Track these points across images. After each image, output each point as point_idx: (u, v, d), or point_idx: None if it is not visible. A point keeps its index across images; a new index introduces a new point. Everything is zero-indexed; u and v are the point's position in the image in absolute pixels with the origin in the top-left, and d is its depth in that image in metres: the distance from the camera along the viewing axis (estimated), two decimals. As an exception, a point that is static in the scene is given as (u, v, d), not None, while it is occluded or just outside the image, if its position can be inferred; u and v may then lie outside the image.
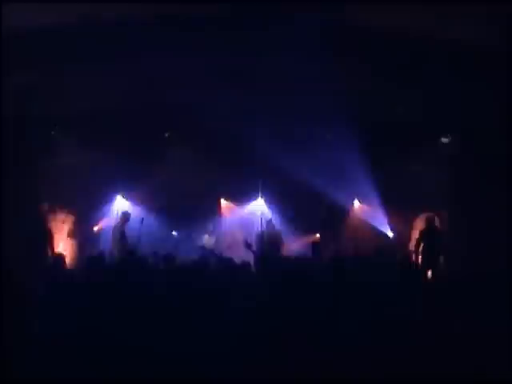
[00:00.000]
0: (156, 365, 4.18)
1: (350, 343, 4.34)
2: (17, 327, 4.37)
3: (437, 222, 10.32)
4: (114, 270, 6.00)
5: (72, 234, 11.98)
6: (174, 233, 12.04)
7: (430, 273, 9.09)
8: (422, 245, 9.86)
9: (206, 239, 11.49)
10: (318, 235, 12.09)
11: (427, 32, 7.81)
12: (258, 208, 12.62)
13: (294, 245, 11.58)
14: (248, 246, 9.52)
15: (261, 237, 10.81)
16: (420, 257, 9.85)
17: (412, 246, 11.93)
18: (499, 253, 8.38)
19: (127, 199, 12.53)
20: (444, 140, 10.73)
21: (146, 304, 4.74)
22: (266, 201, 12.46)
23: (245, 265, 6.32)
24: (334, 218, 12.61)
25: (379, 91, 9.57)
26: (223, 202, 12.89)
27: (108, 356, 4.22)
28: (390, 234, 11.94)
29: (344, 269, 5.96)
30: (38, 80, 8.99)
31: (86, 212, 12.00)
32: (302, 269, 6.34)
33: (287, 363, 4.20)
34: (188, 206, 12.32)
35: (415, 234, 12.00)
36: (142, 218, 11.10)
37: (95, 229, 12.19)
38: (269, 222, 11.39)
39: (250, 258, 8.93)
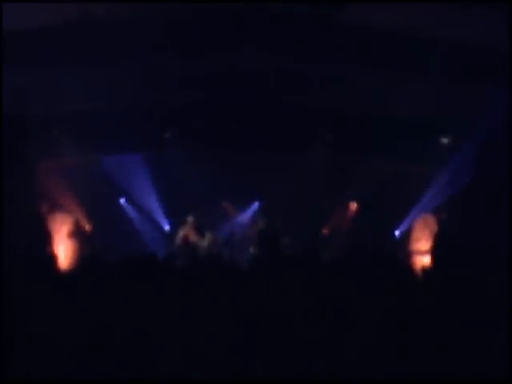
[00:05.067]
0: (153, 365, 4.18)
1: (347, 344, 4.34)
2: (15, 328, 4.36)
3: (442, 223, 10.27)
4: (113, 269, 5.99)
5: (72, 234, 11.99)
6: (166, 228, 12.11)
7: (432, 273, 9.05)
8: (432, 245, 9.83)
9: (205, 239, 11.45)
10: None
11: (427, 32, 7.81)
12: (258, 208, 12.68)
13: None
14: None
15: (260, 236, 10.73)
16: (427, 257, 9.85)
17: (413, 246, 11.97)
18: (500, 253, 8.37)
19: (127, 199, 12.58)
20: (444, 140, 10.72)
21: (145, 303, 4.73)
22: (266, 201, 12.48)
23: (242, 265, 6.32)
24: (332, 218, 12.64)
25: (379, 91, 9.57)
26: (224, 203, 12.90)
27: (106, 356, 4.22)
28: (390, 235, 11.94)
29: (342, 270, 5.95)
30: (37, 80, 8.99)
31: (85, 212, 12.02)
32: (300, 270, 6.33)
33: (283, 365, 4.20)
34: (188, 206, 12.35)
35: (415, 235, 12.03)
36: None
37: (95, 229, 12.20)
38: (268, 221, 11.33)
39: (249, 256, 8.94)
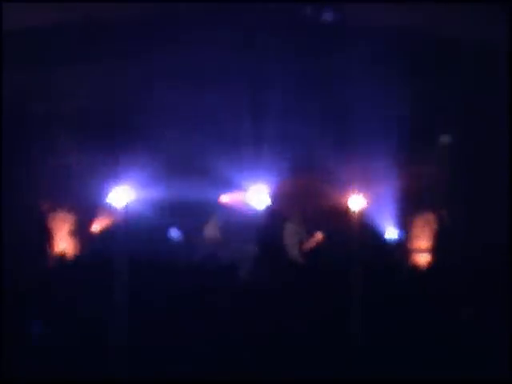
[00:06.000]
0: (153, 364, 4.18)
1: (348, 342, 4.35)
2: (17, 326, 4.37)
3: (443, 221, 10.21)
4: (114, 267, 6.00)
5: (72, 234, 11.98)
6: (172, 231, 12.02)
7: (432, 271, 9.05)
8: (432, 243, 9.79)
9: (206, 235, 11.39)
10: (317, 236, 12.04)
11: (427, 31, 7.80)
12: (261, 203, 12.64)
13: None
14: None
15: (262, 232, 10.61)
16: (427, 255, 9.83)
17: (413, 244, 11.95)
18: (499, 253, 8.36)
19: (127, 197, 12.55)
20: (444, 140, 10.70)
21: (146, 303, 4.74)
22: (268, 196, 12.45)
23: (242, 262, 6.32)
24: (332, 217, 12.62)
25: (379, 91, 9.55)
26: (224, 197, 12.85)
27: (105, 354, 4.23)
28: (390, 234, 11.91)
29: (343, 268, 5.97)
30: (37, 79, 8.98)
31: (86, 211, 12.00)
32: (301, 268, 6.36)
33: (282, 363, 4.21)
34: (188, 203, 12.35)
35: (416, 233, 12.01)
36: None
37: (95, 228, 12.18)
38: (271, 217, 11.19)
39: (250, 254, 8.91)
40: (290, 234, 11.03)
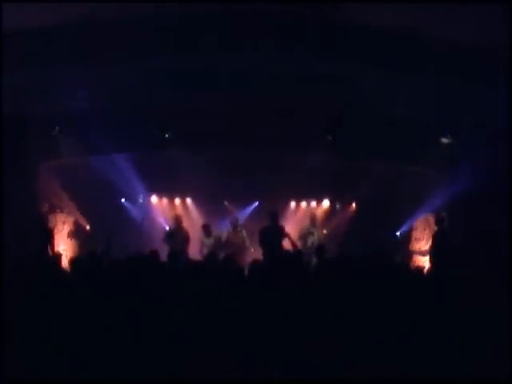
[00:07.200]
0: (153, 365, 4.17)
1: (348, 344, 4.34)
2: (17, 327, 4.36)
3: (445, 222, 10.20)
4: (115, 268, 6.00)
5: (72, 234, 12.01)
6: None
7: (432, 272, 9.04)
8: (431, 245, 9.77)
9: (211, 238, 11.41)
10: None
11: (427, 31, 7.82)
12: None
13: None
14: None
15: (265, 234, 10.56)
16: (427, 257, 9.84)
17: (413, 246, 11.98)
18: (499, 253, 8.37)
19: (128, 200, 12.60)
20: (444, 140, 10.70)
21: (147, 303, 4.73)
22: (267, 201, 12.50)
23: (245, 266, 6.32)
24: (334, 218, 12.68)
25: (379, 91, 9.56)
26: (226, 204, 12.90)
27: (106, 355, 4.22)
28: (390, 235, 11.93)
29: (343, 269, 5.96)
30: (37, 80, 8.99)
31: (86, 212, 12.02)
32: (303, 270, 6.37)
33: (285, 364, 4.20)
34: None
35: (416, 235, 12.04)
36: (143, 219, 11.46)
37: (96, 228, 12.20)
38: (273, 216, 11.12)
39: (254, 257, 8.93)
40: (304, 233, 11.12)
